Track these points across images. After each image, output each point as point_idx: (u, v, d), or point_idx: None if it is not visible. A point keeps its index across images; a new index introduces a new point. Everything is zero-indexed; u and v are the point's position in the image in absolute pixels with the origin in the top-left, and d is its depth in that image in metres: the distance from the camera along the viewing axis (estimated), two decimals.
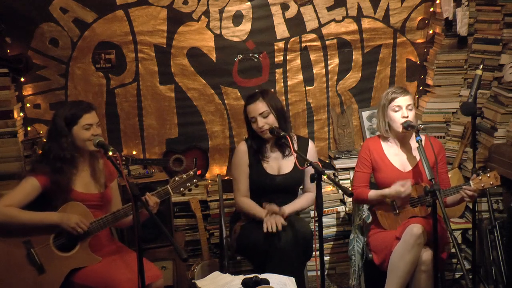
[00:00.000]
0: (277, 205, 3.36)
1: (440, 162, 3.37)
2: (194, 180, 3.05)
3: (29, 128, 3.96)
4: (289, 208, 3.37)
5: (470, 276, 3.55)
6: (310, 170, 3.37)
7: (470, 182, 3.20)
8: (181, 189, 3.04)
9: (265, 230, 3.17)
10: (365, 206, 3.65)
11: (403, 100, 3.32)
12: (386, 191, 3.31)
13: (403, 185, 3.24)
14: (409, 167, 3.39)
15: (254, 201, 3.44)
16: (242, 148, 3.49)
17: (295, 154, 3.26)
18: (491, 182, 3.18)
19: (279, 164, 3.47)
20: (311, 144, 3.54)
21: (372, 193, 3.38)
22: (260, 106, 3.38)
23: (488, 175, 3.19)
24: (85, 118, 2.96)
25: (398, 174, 3.37)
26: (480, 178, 3.19)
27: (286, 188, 3.46)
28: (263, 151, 3.46)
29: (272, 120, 3.38)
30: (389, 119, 3.36)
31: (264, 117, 3.36)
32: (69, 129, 2.95)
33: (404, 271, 3.14)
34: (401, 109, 3.31)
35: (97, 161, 3.11)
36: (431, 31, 4.28)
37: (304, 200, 3.50)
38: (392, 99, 3.33)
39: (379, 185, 3.44)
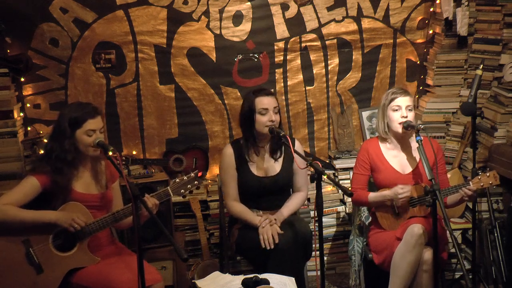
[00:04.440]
0: (271, 208, 3.37)
1: (439, 163, 3.38)
2: (195, 182, 3.02)
3: (29, 128, 3.96)
4: (286, 211, 3.37)
5: (470, 276, 3.55)
6: (299, 170, 3.39)
7: (470, 182, 3.20)
8: (182, 190, 3.01)
9: (263, 246, 3.15)
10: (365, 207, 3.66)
11: (403, 101, 3.32)
12: (386, 192, 3.31)
13: (402, 188, 3.24)
14: (409, 169, 3.39)
15: (245, 204, 3.42)
16: (228, 152, 3.44)
17: (295, 154, 3.25)
18: (490, 182, 3.19)
19: (266, 165, 3.44)
20: (297, 142, 3.51)
21: (372, 196, 3.37)
22: (274, 101, 3.35)
23: (488, 174, 3.19)
24: (89, 123, 2.92)
25: (397, 176, 3.37)
26: (479, 177, 3.19)
27: (275, 190, 3.43)
28: (252, 152, 3.43)
29: (278, 118, 3.36)
30: (388, 119, 3.36)
31: (275, 113, 3.34)
32: (72, 131, 2.92)
33: (406, 272, 3.14)
34: (401, 109, 3.31)
35: (99, 162, 3.10)
36: (431, 31, 4.28)
37: (297, 200, 3.47)
38: (392, 99, 3.34)
39: (378, 186, 3.44)
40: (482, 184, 3.18)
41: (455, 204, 3.39)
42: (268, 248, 3.14)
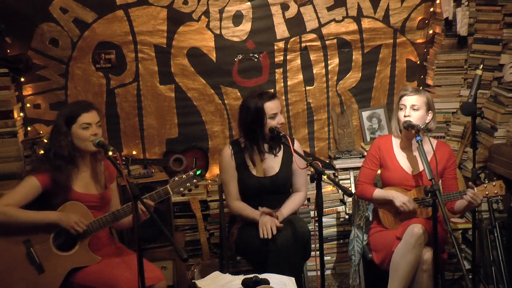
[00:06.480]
0: (271, 208, 3.36)
1: (449, 168, 3.37)
2: (194, 180, 3.04)
3: (29, 128, 3.96)
4: (286, 210, 3.37)
5: (470, 276, 3.55)
6: (297, 170, 3.39)
7: (474, 188, 3.19)
8: (181, 189, 3.03)
9: (261, 236, 3.17)
10: (368, 206, 3.65)
11: (409, 99, 3.32)
12: (392, 193, 3.30)
13: (409, 201, 3.24)
14: (417, 170, 3.38)
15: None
16: (227, 152, 3.47)
17: (295, 154, 3.25)
18: (496, 191, 3.18)
19: (266, 166, 3.45)
20: (296, 142, 3.53)
21: (377, 193, 3.37)
22: (279, 103, 3.41)
23: (494, 183, 3.18)
24: (84, 117, 2.95)
25: (404, 175, 3.37)
26: (485, 185, 3.18)
27: (274, 189, 3.44)
28: (254, 154, 3.44)
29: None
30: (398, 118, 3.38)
31: (280, 113, 3.38)
32: (68, 127, 2.95)
33: (405, 271, 3.15)
34: (405, 108, 3.31)
35: (99, 162, 3.11)
36: (431, 31, 4.27)
37: (297, 200, 3.48)
38: (400, 98, 3.36)
39: (384, 183, 3.44)
40: (487, 193, 3.17)
41: (461, 211, 3.38)
42: (266, 237, 3.14)
